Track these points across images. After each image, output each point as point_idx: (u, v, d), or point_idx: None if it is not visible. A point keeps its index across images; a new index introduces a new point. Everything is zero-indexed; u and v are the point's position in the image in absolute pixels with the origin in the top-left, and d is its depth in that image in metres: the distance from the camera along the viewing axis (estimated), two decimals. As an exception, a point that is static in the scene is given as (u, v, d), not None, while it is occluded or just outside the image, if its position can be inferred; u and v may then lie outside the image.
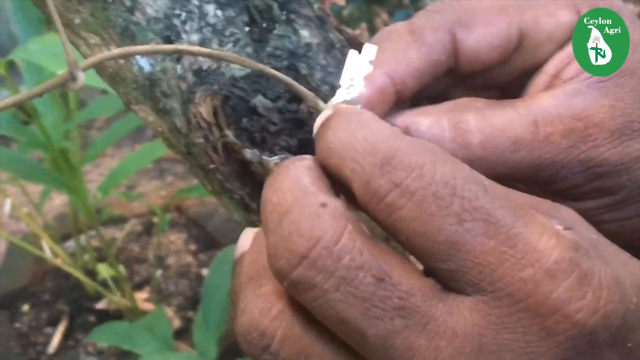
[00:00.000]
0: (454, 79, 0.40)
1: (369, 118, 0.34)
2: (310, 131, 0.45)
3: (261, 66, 0.36)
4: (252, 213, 0.47)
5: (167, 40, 0.45)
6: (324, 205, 0.31)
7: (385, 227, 0.31)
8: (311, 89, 0.45)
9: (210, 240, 2.13)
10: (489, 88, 0.41)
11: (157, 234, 2.09)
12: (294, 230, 0.31)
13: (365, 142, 0.32)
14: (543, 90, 0.37)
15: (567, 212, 0.32)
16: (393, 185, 0.30)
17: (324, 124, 0.35)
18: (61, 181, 1.64)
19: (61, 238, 2.12)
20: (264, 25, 0.46)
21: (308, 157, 0.35)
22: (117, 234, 2.19)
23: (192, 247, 2.13)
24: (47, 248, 2.00)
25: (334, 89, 0.45)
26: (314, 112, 0.45)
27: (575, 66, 0.37)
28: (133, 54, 0.32)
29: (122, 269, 2.02)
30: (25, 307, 2.04)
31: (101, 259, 2.04)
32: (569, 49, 0.38)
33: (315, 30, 0.47)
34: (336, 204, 0.32)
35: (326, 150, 0.33)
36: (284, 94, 0.45)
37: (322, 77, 0.45)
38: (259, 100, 0.43)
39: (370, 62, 0.37)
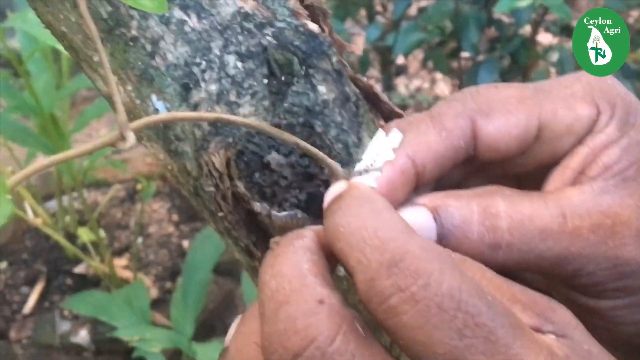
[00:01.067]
0: (472, 167, 0.41)
1: (382, 207, 0.33)
2: (319, 185, 0.46)
3: (287, 135, 0.37)
4: (255, 259, 0.48)
5: (185, 87, 0.45)
6: (321, 301, 0.31)
7: (383, 326, 0.31)
8: (325, 146, 0.45)
9: (193, 212, 2.13)
10: (507, 177, 0.42)
11: (141, 202, 2.09)
12: (290, 327, 0.31)
13: (375, 236, 0.32)
14: (569, 186, 0.38)
15: (562, 315, 0.33)
16: (398, 289, 0.30)
17: (336, 200, 0.35)
18: (48, 146, 1.63)
19: (43, 198, 2.11)
20: (283, 78, 0.46)
21: (309, 233, 0.35)
22: (99, 198, 2.19)
23: (175, 217, 2.13)
24: (29, 207, 2.00)
25: (347, 147, 0.46)
26: (326, 169, 0.46)
27: (600, 164, 0.38)
28: (181, 120, 0.33)
29: (102, 234, 2.03)
30: (3, 265, 2.04)
31: (82, 222, 2.04)
32: (591, 144, 0.38)
33: (332, 85, 0.47)
34: (333, 301, 0.32)
35: (334, 232, 0.33)
36: (296, 149, 0.45)
37: (337, 135, 0.46)
38: (273, 158, 0.44)
39: (394, 149, 0.38)
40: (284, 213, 0.45)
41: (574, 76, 0.40)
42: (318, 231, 0.36)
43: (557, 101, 0.39)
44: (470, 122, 0.39)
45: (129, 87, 0.46)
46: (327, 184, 0.46)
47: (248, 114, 0.45)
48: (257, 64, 0.45)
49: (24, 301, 1.97)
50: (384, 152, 0.38)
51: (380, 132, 0.39)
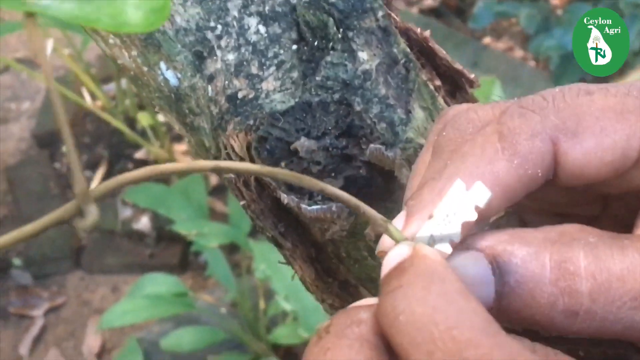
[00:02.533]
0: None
1: (456, 292, 0.26)
2: (359, 167, 0.39)
3: (322, 185, 0.28)
4: (284, 249, 0.42)
5: (199, 56, 0.37)
6: None
7: None
8: (365, 126, 0.38)
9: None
10: (588, 196, 0.33)
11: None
12: None
13: (449, 336, 0.25)
14: None
15: None
16: None
17: (396, 272, 0.28)
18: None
19: (102, 81, 2.07)
20: (316, 44, 0.38)
21: (366, 317, 0.28)
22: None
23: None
24: (86, 92, 1.97)
25: (392, 125, 0.38)
26: (365, 149, 0.38)
27: None
28: (161, 175, 0.25)
29: (161, 118, 1.99)
30: (65, 149, 2.04)
31: (141, 107, 2.01)
32: None
33: (376, 47, 0.39)
34: None
35: (392, 320, 0.26)
36: (332, 129, 0.38)
37: (380, 112, 0.38)
38: (302, 144, 0.37)
39: (477, 208, 0.28)
40: (315, 207, 0.38)
41: None
42: (377, 317, 0.28)
43: None
44: (551, 144, 0.30)
45: (134, 53, 0.39)
46: (368, 166, 0.39)
47: (272, 90, 0.37)
48: (284, 27, 0.37)
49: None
50: (464, 208, 0.29)
51: (459, 184, 0.29)
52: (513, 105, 0.31)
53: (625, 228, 0.34)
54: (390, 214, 0.40)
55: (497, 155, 0.29)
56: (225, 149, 0.38)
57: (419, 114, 0.40)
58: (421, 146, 0.39)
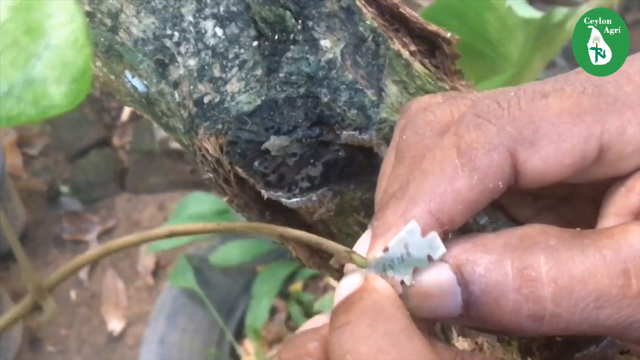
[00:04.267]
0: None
1: (401, 332, 0.26)
2: (338, 149, 0.39)
3: (280, 229, 0.29)
4: (275, 237, 0.42)
5: (161, 64, 0.37)
6: None
7: None
8: (335, 115, 0.38)
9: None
10: (554, 189, 0.33)
11: None
12: None
13: None
14: (634, 221, 0.29)
15: None
16: None
17: (346, 304, 0.28)
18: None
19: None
20: (276, 37, 0.37)
21: (312, 349, 0.28)
22: None
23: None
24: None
25: (364, 110, 0.38)
26: (341, 134, 0.38)
27: None
28: (115, 251, 0.26)
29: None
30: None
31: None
32: None
33: (340, 31, 0.38)
34: None
35: (342, 359, 0.27)
36: (302, 122, 0.37)
37: (349, 99, 0.38)
38: (272, 144, 0.37)
39: (430, 257, 0.29)
40: (295, 200, 0.38)
41: None
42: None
43: (625, 112, 0.29)
44: (509, 155, 0.29)
45: (99, 64, 0.39)
46: (347, 147, 0.39)
47: (237, 91, 0.37)
48: (242, 26, 0.37)
49: (121, 107, 2.01)
50: (418, 254, 0.29)
51: (412, 225, 0.29)
52: (469, 114, 0.30)
53: (595, 205, 0.34)
54: (376, 187, 0.40)
55: (457, 172, 0.29)
56: (200, 150, 0.39)
57: (392, 89, 0.39)
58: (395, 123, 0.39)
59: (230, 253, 1.55)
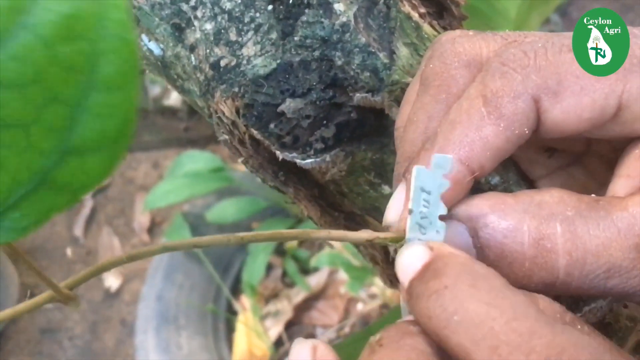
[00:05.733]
0: None
1: (504, 287, 0.26)
2: (350, 111, 0.40)
3: (307, 233, 0.29)
4: (287, 194, 0.44)
5: (177, 28, 0.38)
6: None
7: None
8: (348, 78, 0.38)
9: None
10: (569, 143, 0.34)
11: None
12: None
13: (510, 328, 0.25)
14: None
15: None
16: None
17: (427, 275, 0.28)
18: None
19: None
20: (290, 1, 0.38)
21: (415, 330, 0.28)
22: None
23: None
24: None
25: (376, 72, 0.39)
26: (354, 96, 0.39)
27: None
28: (119, 263, 0.27)
29: None
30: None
31: None
32: None
33: (353, -7, 0.38)
34: None
35: (447, 322, 0.26)
36: (316, 84, 0.38)
37: (362, 61, 0.38)
38: (287, 106, 0.38)
39: (445, 176, 0.29)
40: (309, 161, 0.39)
41: None
42: (421, 324, 0.29)
43: None
44: (533, 103, 0.30)
45: (115, 27, 0.39)
46: (359, 109, 0.40)
47: (253, 55, 0.37)
48: (257, -10, 0.37)
49: (113, 65, 1.99)
50: (435, 185, 0.29)
51: (417, 169, 0.29)
52: (495, 62, 0.31)
53: (607, 165, 0.35)
54: (387, 147, 0.41)
55: (484, 120, 0.30)
56: (216, 113, 0.39)
57: (403, 52, 0.40)
58: (408, 85, 0.39)
59: (226, 210, 1.56)
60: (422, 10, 0.42)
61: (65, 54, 0.18)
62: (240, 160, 0.41)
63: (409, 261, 0.29)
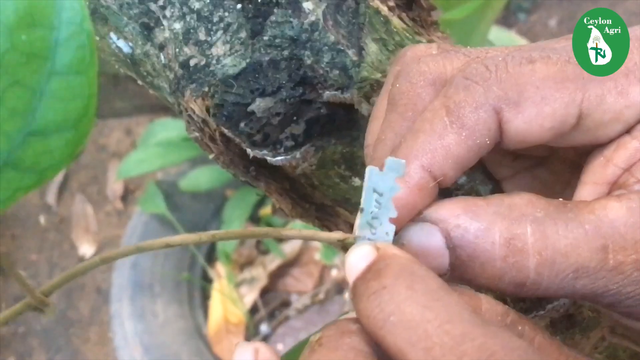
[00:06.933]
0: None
1: (440, 289, 0.27)
2: (320, 107, 0.40)
3: (277, 232, 0.30)
4: (258, 188, 0.44)
5: (146, 27, 0.38)
6: None
7: None
8: (317, 76, 0.39)
9: None
10: (533, 150, 0.34)
11: None
12: None
13: (443, 330, 0.26)
14: (613, 196, 0.31)
15: None
16: None
17: (369, 275, 0.28)
18: None
19: None
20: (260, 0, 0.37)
21: (356, 327, 0.28)
22: None
23: None
24: None
25: (345, 70, 0.39)
26: (323, 93, 0.39)
27: None
28: (108, 261, 0.27)
29: None
30: None
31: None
32: None
33: (322, -10, 0.38)
34: None
35: (382, 322, 0.27)
36: (286, 82, 0.38)
37: (331, 60, 0.39)
38: (257, 106, 0.38)
39: (398, 179, 0.30)
40: (279, 158, 0.40)
41: (632, 45, 0.31)
42: (361, 321, 0.29)
43: (606, 82, 0.30)
44: (494, 114, 0.31)
45: (83, 25, 0.39)
46: (328, 105, 0.40)
47: (222, 54, 0.38)
48: (225, -11, 0.37)
49: None
50: (387, 187, 0.30)
51: (370, 169, 0.30)
52: (458, 77, 0.32)
53: (571, 168, 0.36)
54: (356, 141, 0.42)
55: (446, 129, 0.31)
56: (187, 111, 0.40)
57: (372, 48, 0.40)
58: (377, 82, 0.40)
59: (199, 178, 1.56)
60: (391, 3, 0.43)
61: (25, 41, 0.20)
62: (211, 156, 0.42)
63: (355, 260, 0.29)
